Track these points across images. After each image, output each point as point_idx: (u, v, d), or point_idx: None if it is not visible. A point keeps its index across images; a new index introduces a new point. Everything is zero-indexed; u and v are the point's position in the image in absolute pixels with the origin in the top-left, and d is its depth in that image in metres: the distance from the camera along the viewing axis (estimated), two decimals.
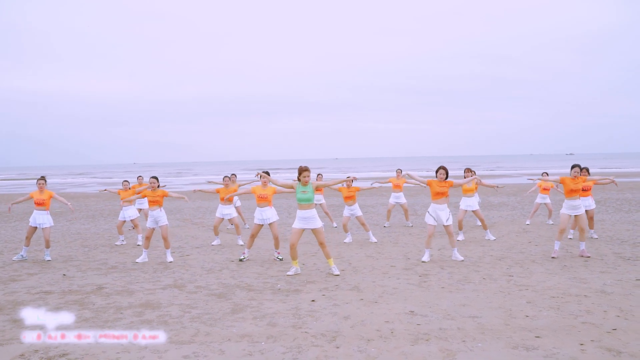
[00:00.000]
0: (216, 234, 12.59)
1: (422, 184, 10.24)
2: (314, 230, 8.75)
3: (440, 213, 9.82)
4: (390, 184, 15.43)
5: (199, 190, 12.89)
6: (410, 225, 15.31)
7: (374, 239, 12.48)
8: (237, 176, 16.88)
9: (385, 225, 15.34)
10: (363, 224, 12.45)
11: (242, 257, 10.38)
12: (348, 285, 8.06)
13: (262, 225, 10.30)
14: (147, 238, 10.43)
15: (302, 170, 8.70)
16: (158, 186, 10.55)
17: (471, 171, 12.38)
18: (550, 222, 15.14)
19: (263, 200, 10.29)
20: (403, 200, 15.24)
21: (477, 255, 10.44)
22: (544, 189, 15.19)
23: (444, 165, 10.12)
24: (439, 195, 9.82)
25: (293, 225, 8.80)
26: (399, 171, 15.46)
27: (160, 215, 10.43)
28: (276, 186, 10.04)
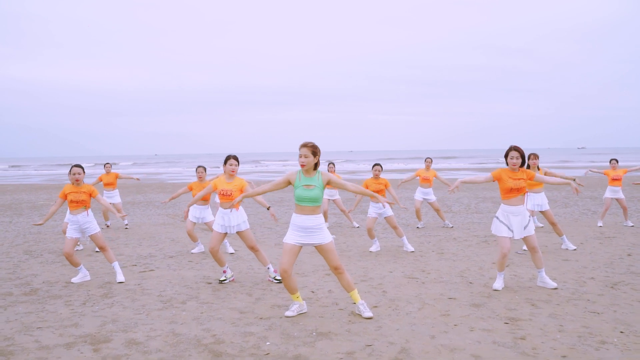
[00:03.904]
0: (194, 239, 8.99)
1: (487, 182, 6.36)
2: (320, 249, 5.10)
3: (516, 219, 6.05)
4: (417, 178, 11.77)
5: (171, 199, 8.92)
6: (451, 226, 11.58)
7: (410, 248, 8.80)
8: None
9: (418, 226, 11.61)
10: (395, 227, 8.76)
11: (223, 278, 6.78)
12: (389, 344, 4.40)
13: (225, 234, 6.64)
14: (69, 255, 6.76)
15: (299, 147, 5.07)
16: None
17: (537, 157, 8.57)
18: (630, 223, 11.31)
19: (227, 199, 6.60)
20: (432, 197, 11.50)
21: (571, 278, 6.72)
22: (614, 180, 11.36)
23: (517, 146, 6.21)
24: (513, 192, 6.05)
25: (285, 239, 5.14)
26: (429, 161, 11.75)
27: (86, 221, 6.80)
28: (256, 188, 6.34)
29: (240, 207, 6.66)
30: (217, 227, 6.61)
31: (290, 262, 5.09)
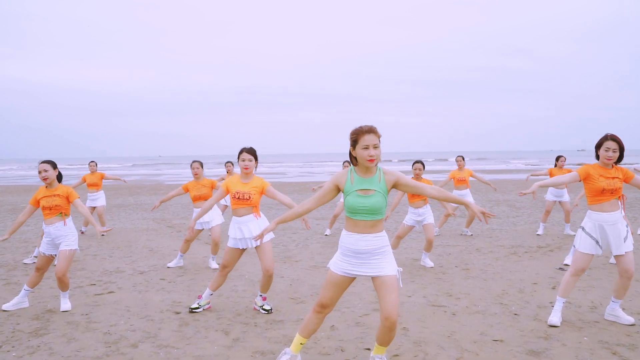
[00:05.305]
0: (184, 250, 7.41)
1: (573, 181, 4.67)
2: (376, 282, 3.38)
3: (610, 229, 4.50)
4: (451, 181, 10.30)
5: (162, 202, 7.30)
6: (470, 234, 10.02)
7: (429, 263, 7.24)
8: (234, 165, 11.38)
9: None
10: (429, 241, 7.15)
11: (195, 306, 5.19)
12: None
13: (243, 250, 5.06)
14: (38, 270, 5.27)
15: (362, 133, 3.27)
16: (60, 177, 5.37)
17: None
18: None
19: (241, 204, 4.98)
20: (470, 199, 9.99)
21: None
22: None
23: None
24: (605, 194, 4.49)
25: (330, 266, 3.51)
26: (461, 159, 10.24)
27: (62, 235, 5.19)
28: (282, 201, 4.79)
29: (262, 215, 5.09)
30: (232, 243, 5.01)
31: (333, 297, 3.48)
